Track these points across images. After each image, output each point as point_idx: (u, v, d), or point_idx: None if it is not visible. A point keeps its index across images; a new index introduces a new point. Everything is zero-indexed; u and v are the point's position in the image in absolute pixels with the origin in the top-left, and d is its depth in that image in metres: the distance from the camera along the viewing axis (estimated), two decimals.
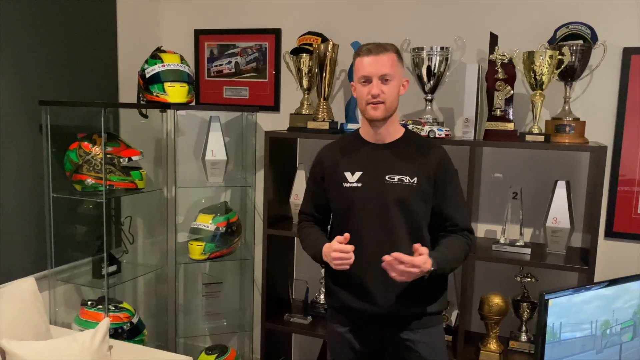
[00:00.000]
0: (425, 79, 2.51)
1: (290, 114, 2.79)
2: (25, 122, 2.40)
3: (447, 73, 2.53)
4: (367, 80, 1.83)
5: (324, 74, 2.62)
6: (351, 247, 1.77)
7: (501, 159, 2.65)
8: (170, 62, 2.64)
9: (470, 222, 2.01)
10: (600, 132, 2.48)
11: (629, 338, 2.06)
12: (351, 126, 2.55)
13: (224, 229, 2.82)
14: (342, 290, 1.94)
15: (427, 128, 2.40)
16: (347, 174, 1.91)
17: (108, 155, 2.48)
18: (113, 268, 2.66)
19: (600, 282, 2.00)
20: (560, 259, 2.35)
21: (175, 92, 2.62)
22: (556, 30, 2.41)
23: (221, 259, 2.88)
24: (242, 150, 3.06)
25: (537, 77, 2.29)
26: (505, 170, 2.65)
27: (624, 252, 2.50)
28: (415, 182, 1.86)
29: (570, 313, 1.93)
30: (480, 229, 2.71)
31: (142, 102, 2.73)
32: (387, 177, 1.87)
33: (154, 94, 2.62)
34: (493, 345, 2.46)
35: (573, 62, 2.33)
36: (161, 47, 2.74)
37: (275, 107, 3.04)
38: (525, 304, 2.50)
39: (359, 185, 1.88)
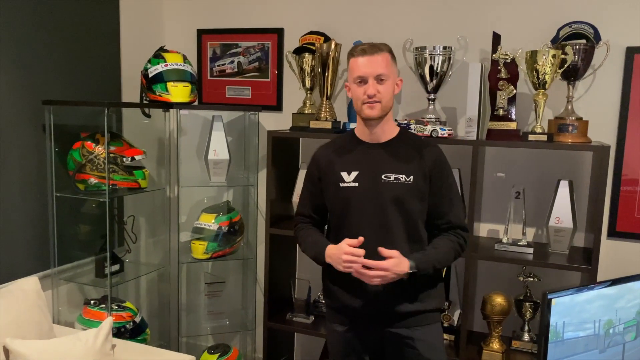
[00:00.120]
0: (427, 78, 2.51)
1: (293, 113, 2.79)
2: (28, 121, 2.40)
3: (450, 72, 2.53)
4: (363, 80, 1.83)
5: (326, 74, 2.62)
6: (362, 252, 1.77)
7: (504, 159, 2.65)
8: (173, 61, 2.64)
9: (464, 219, 2.01)
10: (603, 132, 2.48)
11: (631, 337, 2.06)
12: (354, 125, 2.54)
13: (227, 228, 2.82)
14: (340, 290, 1.94)
15: (429, 127, 2.40)
16: (344, 174, 1.91)
17: (111, 155, 2.48)
18: (116, 267, 2.67)
19: (603, 282, 1.99)
20: (563, 258, 2.35)
21: (178, 92, 2.63)
22: (559, 30, 2.40)
23: (224, 259, 2.88)
24: (245, 150, 3.06)
25: (540, 76, 2.29)
26: (508, 170, 2.65)
27: (626, 252, 2.50)
28: (412, 180, 1.86)
29: (573, 312, 1.93)
30: (483, 229, 2.72)
31: (145, 102, 2.74)
32: (383, 176, 1.87)
33: (157, 93, 2.63)
34: (495, 344, 2.46)
35: (576, 61, 2.32)
36: (164, 46, 2.74)
37: (277, 107, 3.04)
38: (527, 303, 2.49)
39: (356, 184, 1.89)
